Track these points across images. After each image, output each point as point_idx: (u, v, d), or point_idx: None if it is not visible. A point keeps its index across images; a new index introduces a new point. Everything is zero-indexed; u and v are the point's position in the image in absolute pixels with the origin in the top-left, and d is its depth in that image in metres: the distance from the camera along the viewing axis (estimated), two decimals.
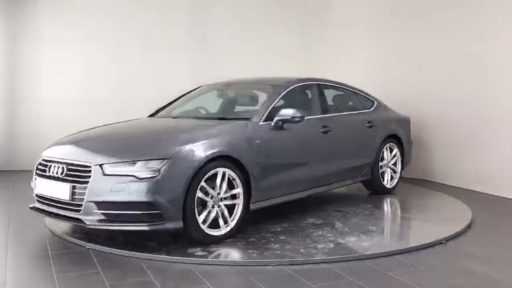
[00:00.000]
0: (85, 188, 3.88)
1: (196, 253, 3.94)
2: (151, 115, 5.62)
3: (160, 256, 3.86)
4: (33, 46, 8.04)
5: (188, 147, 4.02)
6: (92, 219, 3.88)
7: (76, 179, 3.97)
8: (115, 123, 5.26)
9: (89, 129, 5.03)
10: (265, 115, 4.73)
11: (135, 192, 3.76)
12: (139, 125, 5.05)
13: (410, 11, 7.48)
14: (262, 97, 5.27)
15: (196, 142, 4.10)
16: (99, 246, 4.08)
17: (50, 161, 4.24)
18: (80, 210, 3.90)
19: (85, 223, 3.91)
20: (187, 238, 4.08)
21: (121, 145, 4.30)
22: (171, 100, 5.87)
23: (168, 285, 3.35)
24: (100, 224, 3.89)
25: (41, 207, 4.28)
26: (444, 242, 4.29)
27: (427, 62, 7.17)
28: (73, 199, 3.93)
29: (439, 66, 7.01)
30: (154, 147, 4.05)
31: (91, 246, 4.11)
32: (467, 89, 6.59)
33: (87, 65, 8.30)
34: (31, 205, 4.42)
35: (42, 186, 4.23)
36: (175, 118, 5.31)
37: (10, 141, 8.06)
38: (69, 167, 4.05)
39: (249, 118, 4.71)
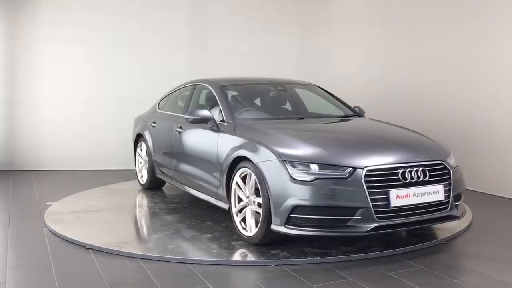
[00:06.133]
0: (449, 184, 4.07)
1: (196, 253, 3.95)
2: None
3: (160, 256, 3.87)
4: (33, 46, 8.04)
5: None
6: (454, 212, 4.15)
7: (441, 178, 4.04)
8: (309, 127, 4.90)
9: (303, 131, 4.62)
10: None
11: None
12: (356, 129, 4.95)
13: (409, 11, 7.48)
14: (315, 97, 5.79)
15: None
16: (99, 246, 4.08)
17: (393, 168, 3.85)
18: (448, 207, 4.06)
19: (458, 218, 4.22)
20: None
21: (409, 144, 4.33)
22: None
23: (168, 285, 3.35)
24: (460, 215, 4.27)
25: (397, 222, 3.81)
26: (444, 242, 4.29)
27: (427, 62, 7.17)
28: (445, 197, 4.03)
29: (438, 65, 7.00)
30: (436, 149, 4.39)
31: (91, 246, 4.11)
32: (467, 88, 6.59)
33: (86, 65, 8.30)
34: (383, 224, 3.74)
35: (403, 196, 3.81)
36: (303, 118, 5.16)
37: (10, 141, 8.07)
38: (429, 167, 3.99)
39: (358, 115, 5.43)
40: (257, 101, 5.64)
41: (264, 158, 3.98)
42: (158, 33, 8.56)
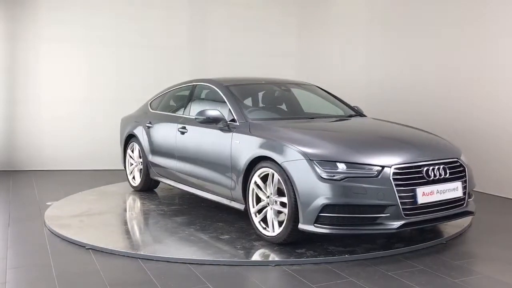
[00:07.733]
0: (465, 181, 4.21)
1: (196, 253, 3.95)
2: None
3: (160, 256, 3.87)
4: (33, 46, 8.04)
5: None
6: (470, 208, 4.28)
7: (458, 175, 4.17)
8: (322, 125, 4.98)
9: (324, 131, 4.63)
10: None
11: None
12: (366, 128, 4.99)
13: (409, 11, 7.48)
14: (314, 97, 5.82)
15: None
16: (99, 246, 4.08)
17: (418, 166, 3.93)
18: (464, 203, 4.19)
19: (473, 213, 4.35)
20: None
21: (427, 142, 4.46)
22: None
23: (168, 285, 3.35)
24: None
25: (422, 219, 3.90)
26: (444, 242, 4.29)
27: (427, 62, 7.17)
28: (463, 193, 4.16)
29: (438, 65, 7.00)
30: (449, 148, 4.48)
31: (91, 246, 4.11)
32: (467, 88, 6.59)
33: (86, 65, 8.30)
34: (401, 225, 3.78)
35: (428, 193, 3.92)
36: (313, 118, 5.22)
37: (10, 141, 8.07)
38: (448, 165, 4.11)
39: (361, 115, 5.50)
40: (261, 101, 5.62)
41: (289, 158, 3.97)
42: (158, 33, 8.56)
